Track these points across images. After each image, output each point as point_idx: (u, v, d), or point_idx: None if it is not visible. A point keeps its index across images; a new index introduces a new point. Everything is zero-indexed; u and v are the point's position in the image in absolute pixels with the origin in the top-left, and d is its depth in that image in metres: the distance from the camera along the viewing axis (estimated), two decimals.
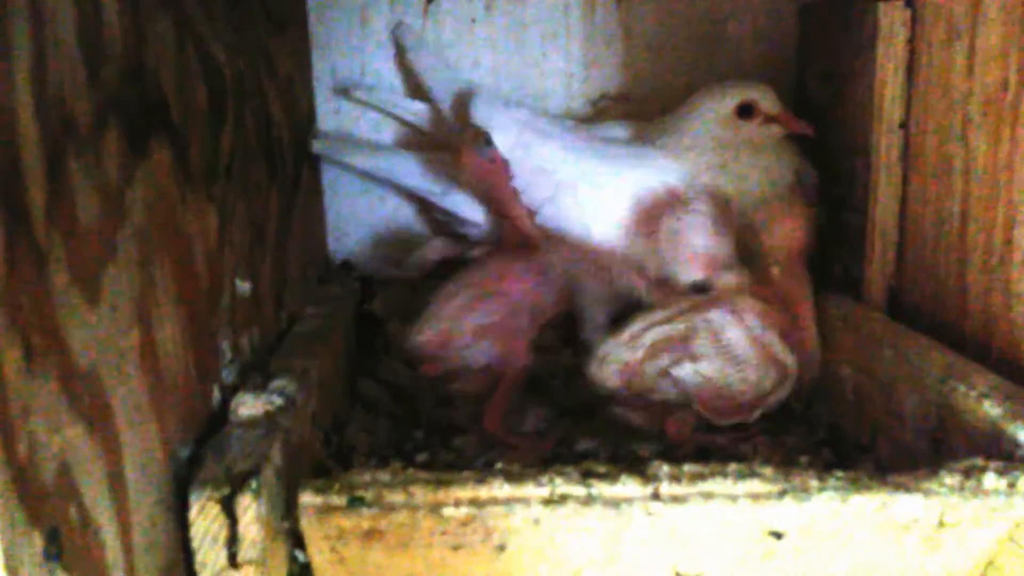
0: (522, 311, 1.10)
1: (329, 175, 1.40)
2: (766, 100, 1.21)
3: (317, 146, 1.32)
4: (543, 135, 1.24)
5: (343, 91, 1.37)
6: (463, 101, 1.28)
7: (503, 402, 1.06)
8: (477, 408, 1.08)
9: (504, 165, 1.17)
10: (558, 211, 1.19)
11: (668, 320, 1.06)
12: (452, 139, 1.26)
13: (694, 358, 1.04)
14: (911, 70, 1.06)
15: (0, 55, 0.50)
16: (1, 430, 0.48)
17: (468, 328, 1.09)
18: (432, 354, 1.09)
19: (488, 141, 1.15)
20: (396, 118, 1.37)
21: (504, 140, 1.21)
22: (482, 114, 1.25)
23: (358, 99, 1.35)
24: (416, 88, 1.36)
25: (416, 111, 1.35)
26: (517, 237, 1.19)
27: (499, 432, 1.05)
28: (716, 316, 1.06)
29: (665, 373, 1.04)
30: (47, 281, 0.54)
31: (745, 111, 1.21)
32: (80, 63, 0.60)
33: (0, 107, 0.50)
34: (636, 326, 1.06)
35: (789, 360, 1.05)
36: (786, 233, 1.10)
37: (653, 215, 1.17)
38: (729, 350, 1.04)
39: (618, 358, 1.05)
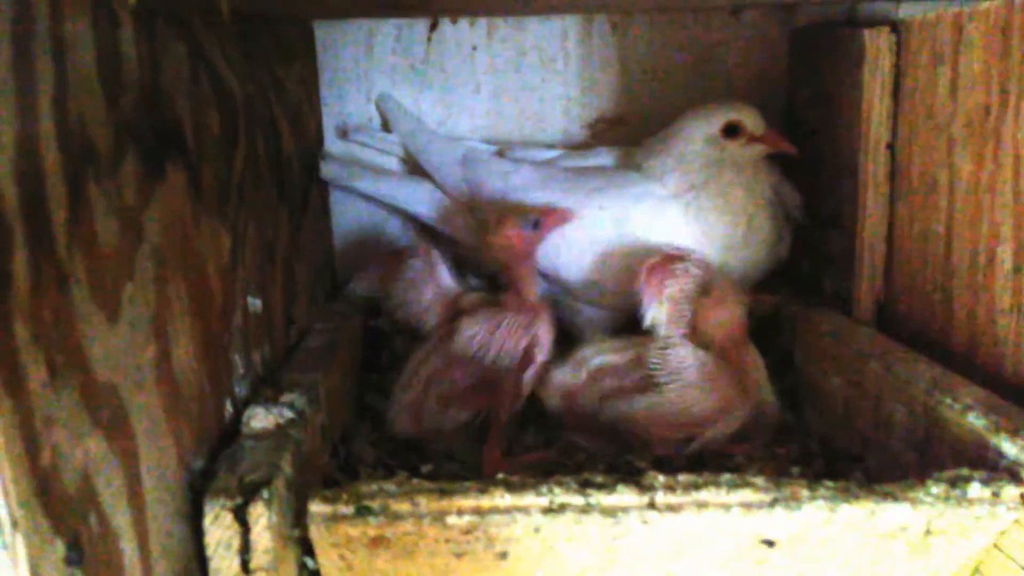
0: (498, 367, 1.07)
1: (337, 197, 1.40)
2: (751, 120, 1.21)
3: (325, 170, 1.33)
4: (527, 185, 1.26)
5: (343, 134, 1.38)
6: (458, 162, 1.31)
7: (497, 446, 1.04)
8: (473, 437, 1.07)
9: (535, 247, 1.14)
10: (547, 249, 1.19)
11: (617, 350, 1.06)
12: (489, 210, 1.25)
13: (642, 389, 1.03)
14: (897, 93, 1.06)
15: (25, 86, 0.52)
16: (25, 441, 0.49)
17: (433, 397, 1.07)
18: (409, 426, 1.08)
19: (536, 224, 1.13)
20: (392, 154, 1.38)
21: (491, 195, 1.26)
22: (471, 172, 1.29)
23: (358, 141, 1.37)
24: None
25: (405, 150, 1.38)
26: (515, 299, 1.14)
27: (499, 467, 1.03)
28: (670, 343, 1.05)
29: (606, 397, 1.04)
30: (69, 299, 0.55)
31: (731, 131, 1.21)
32: (100, 92, 0.61)
33: (25, 135, 0.51)
34: (583, 352, 1.07)
35: (733, 393, 1.05)
36: (719, 322, 1.09)
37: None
38: (679, 374, 1.03)
39: (561, 382, 1.06)
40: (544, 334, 1.09)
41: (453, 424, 1.06)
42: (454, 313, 1.14)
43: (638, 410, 1.03)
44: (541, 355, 1.08)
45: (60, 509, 0.52)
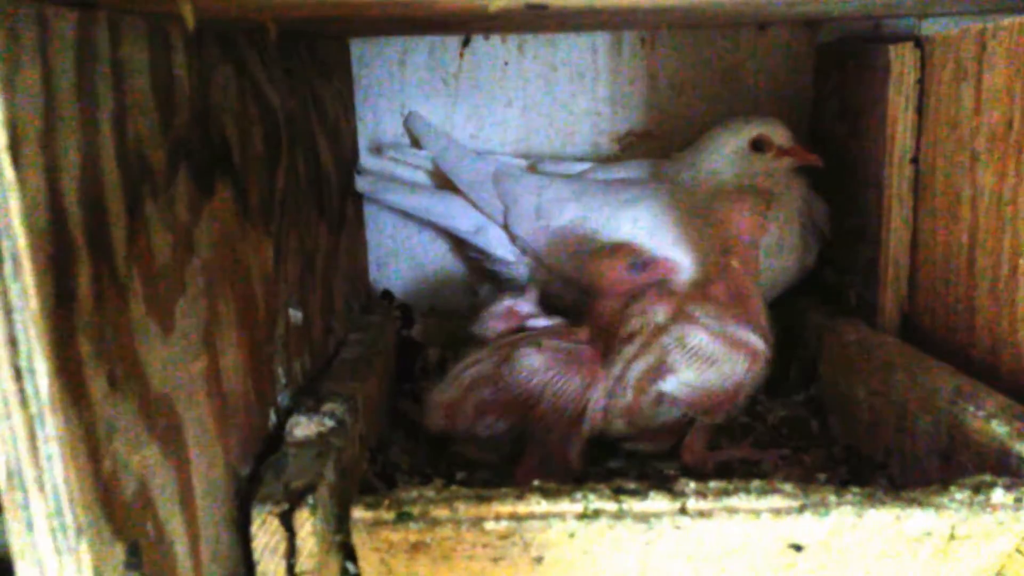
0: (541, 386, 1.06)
1: (371, 210, 1.41)
2: (778, 134, 1.22)
3: (360, 184, 1.33)
4: (559, 202, 1.27)
5: (377, 148, 1.39)
6: (490, 178, 1.32)
7: (532, 463, 1.03)
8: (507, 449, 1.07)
9: (629, 288, 1.12)
10: (582, 261, 1.21)
11: (639, 354, 1.05)
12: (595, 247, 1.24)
13: (674, 371, 1.03)
14: (921, 108, 1.06)
15: (88, 109, 0.53)
16: (89, 450, 0.50)
17: (471, 404, 1.05)
18: (440, 423, 1.07)
19: (644, 266, 1.11)
20: (424, 171, 1.39)
21: (525, 210, 1.27)
22: (503, 188, 1.30)
23: (391, 157, 1.38)
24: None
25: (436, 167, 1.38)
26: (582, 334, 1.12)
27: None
28: (676, 329, 1.05)
29: (659, 400, 1.03)
30: (128, 313, 0.57)
31: (759, 145, 1.22)
32: (154, 113, 0.63)
33: (88, 156, 0.53)
34: (617, 368, 1.05)
35: (752, 340, 1.05)
36: (743, 220, 1.09)
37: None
38: (699, 353, 1.03)
39: (615, 405, 1.04)
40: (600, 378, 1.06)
41: (486, 432, 1.05)
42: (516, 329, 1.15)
43: (679, 395, 1.03)
44: (598, 400, 1.06)
45: (121, 515, 0.53)
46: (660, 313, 1.07)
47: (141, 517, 0.56)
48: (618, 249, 1.13)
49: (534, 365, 1.05)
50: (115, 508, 0.53)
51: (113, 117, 0.56)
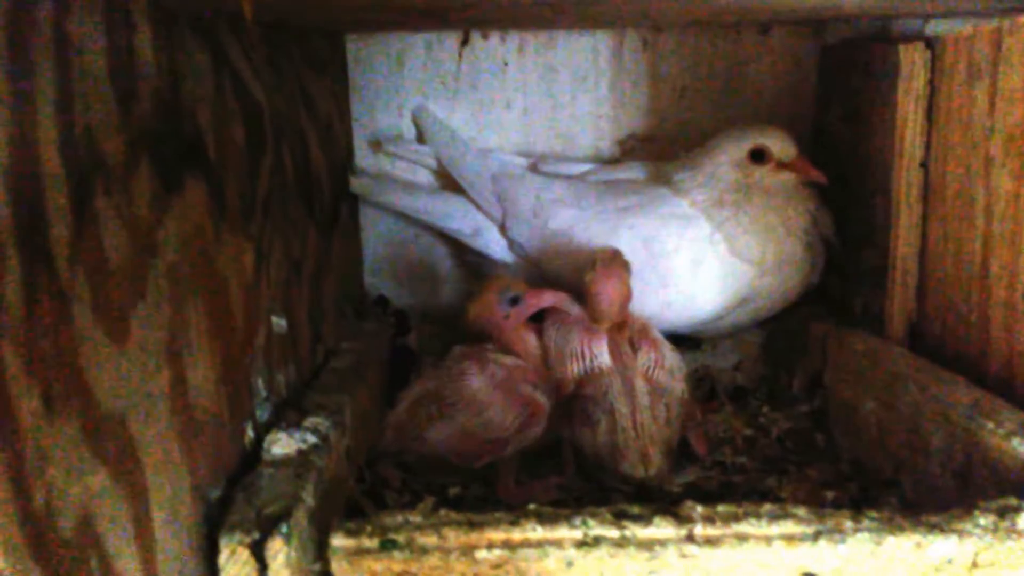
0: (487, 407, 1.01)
1: (366, 213, 1.36)
2: (779, 146, 1.16)
3: (355, 185, 1.28)
4: (556, 203, 1.22)
5: (376, 144, 1.34)
6: (490, 178, 1.28)
7: (508, 475, 0.98)
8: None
9: (515, 325, 1.08)
10: (578, 268, 1.14)
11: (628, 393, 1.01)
12: (482, 279, 1.22)
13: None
14: (931, 110, 1.01)
15: (21, 89, 0.45)
16: (15, 482, 0.42)
17: (417, 423, 1.01)
18: (391, 443, 1.02)
19: (514, 300, 1.06)
20: (425, 167, 1.34)
21: (523, 212, 1.23)
22: (503, 188, 1.25)
23: (390, 152, 1.33)
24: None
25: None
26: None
27: (517, 497, 0.97)
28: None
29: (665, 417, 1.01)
30: (70, 322, 0.48)
31: (757, 156, 1.16)
32: (111, 99, 0.55)
33: (20, 143, 0.44)
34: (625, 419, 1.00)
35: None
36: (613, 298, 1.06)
37: None
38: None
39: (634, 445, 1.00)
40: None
41: (431, 452, 1.00)
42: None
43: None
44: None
45: (55, 554, 0.45)
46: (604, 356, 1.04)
47: (82, 555, 0.48)
48: (489, 285, 1.10)
49: (473, 386, 1.02)
50: (47, 547, 0.44)
51: (56, 101, 0.48)
